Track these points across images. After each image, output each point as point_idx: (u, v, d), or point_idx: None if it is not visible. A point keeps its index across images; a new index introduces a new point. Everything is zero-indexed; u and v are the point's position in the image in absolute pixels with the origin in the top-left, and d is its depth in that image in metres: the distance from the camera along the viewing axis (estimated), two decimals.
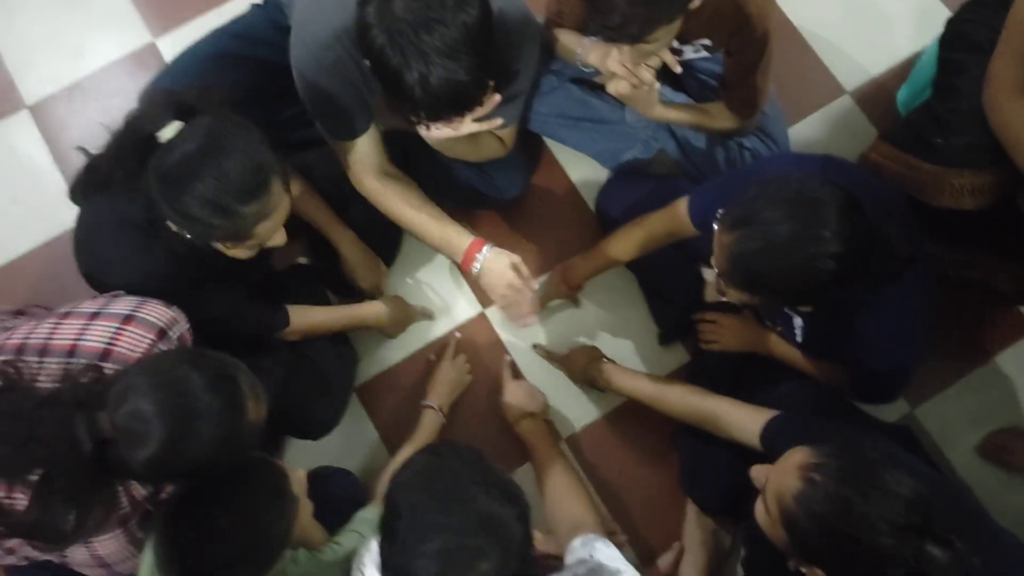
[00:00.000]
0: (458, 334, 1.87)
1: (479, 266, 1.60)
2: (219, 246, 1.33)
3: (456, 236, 1.62)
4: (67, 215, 1.55)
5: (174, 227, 1.29)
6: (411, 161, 1.77)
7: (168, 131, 1.23)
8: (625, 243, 1.68)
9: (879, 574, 1.08)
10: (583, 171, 1.97)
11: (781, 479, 1.14)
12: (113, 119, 1.33)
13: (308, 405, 1.68)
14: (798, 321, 1.50)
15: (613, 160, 1.90)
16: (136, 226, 1.34)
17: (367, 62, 1.29)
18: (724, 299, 1.68)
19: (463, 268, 1.62)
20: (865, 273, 1.23)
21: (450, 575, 0.97)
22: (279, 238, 1.36)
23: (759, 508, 1.19)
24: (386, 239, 1.88)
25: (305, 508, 1.28)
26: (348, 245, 1.76)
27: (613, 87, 1.54)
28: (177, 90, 1.31)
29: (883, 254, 1.23)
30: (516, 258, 1.60)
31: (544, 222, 1.95)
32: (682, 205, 1.53)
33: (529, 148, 1.93)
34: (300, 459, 1.76)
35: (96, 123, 1.36)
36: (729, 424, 1.47)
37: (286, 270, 1.83)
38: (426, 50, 1.22)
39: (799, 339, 1.52)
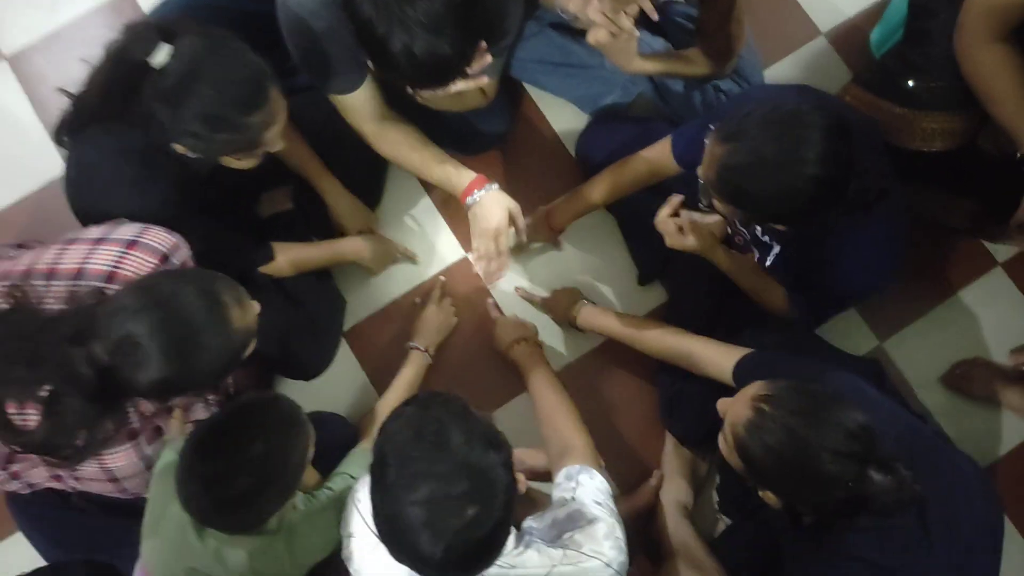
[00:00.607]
0: (443, 277, 1.88)
1: (476, 199, 1.60)
2: (227, 160, 1.35)
3: (456, 171, 1.63)
4: (50, 165, 1.57)
5: (180, 148, 1.30)
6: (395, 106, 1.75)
7: (160, 55, 1.24)
8: (608, 185, 1.69)
9: (821, 495, 1.14)
10: (563, 116, 1.96)
11: (736, 409, 1.21)
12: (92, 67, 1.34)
13: (301, 345, 1.71)
14: (776, 248, 1.52)
15: (593, 105, 1.89)
16: (138, 153, 1.35)
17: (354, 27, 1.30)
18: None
19: (462, 200, 1.62)
20: (842, 198, 1.27)
21: (438, 522, 0.99)
22: (280, 143, 1.40)
23: (720, 437, 1.26)
24: (369, 184, 1.88)
25: (310, 450, 1.30)
26: (334, 195, 1.77)
27: (593, 36, 1.54)
28: (156, 18, 1.30)
29: (860, 182, 1.27)
30: (515, 206, 1.61)
31: (525, 168, 1.94)
32: (665, 144, 1.55)
33: (510, 95, 1.93)
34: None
35: (75, 72, 1.37)
36: (704, 362, 1.51)
37: (272, 216, 1.83)
38: (410, 23, 1.22)
39: (768, 263, 1.54)
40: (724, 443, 1.25)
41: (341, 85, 1.52)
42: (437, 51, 1.25)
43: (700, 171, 1.34)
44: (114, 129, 1.35)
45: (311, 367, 1.76)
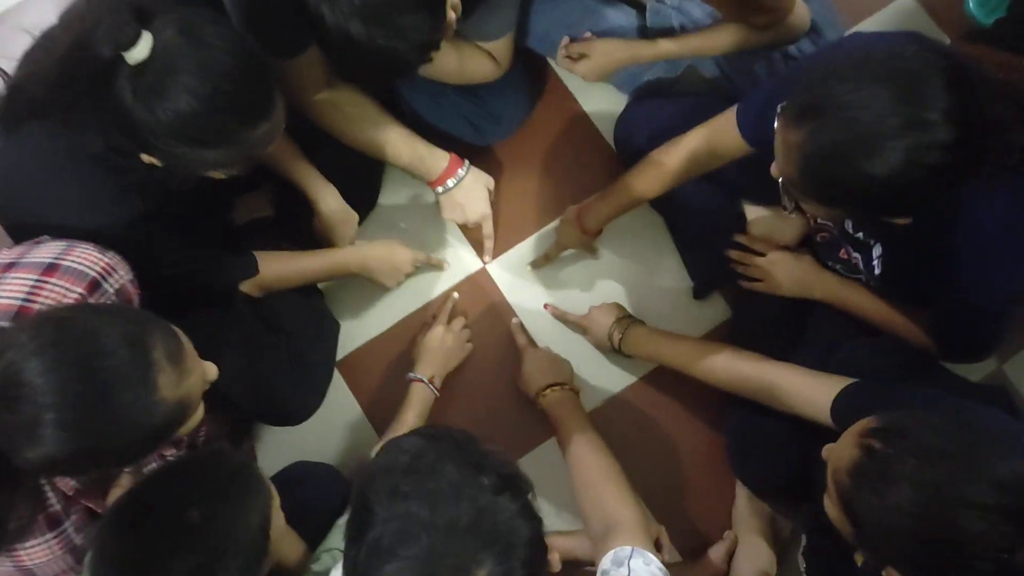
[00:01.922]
0: (456, 294, 1.70)
1: (455, 184, 1.55)
2: (210, 172, 1.19)
3: (429, 152, 1.51)
4: None
5: (148, 159, 1.12)
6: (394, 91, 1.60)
7: (139, 51, 1.02)
8: (654, 173, 1.46)
9: (960, 569, 0.93)
10: (596, 96, 1.78)
11: (839, 451, 1.01)
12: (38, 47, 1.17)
13: (283, 386, 1.50)
14: (878, 249, 1.27)
15: (632, 82, 1.68)
16: (94, 159, 1.16)
17: None
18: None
19: (434, 186, 1.56)
20: (980, 165, 1.02)
21: None
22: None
23: (826, 497, 1.04)
24: (364, 187, 1.68)
25: (276, 518, 1.13)
26: (325, 198, 1.55)
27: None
28: None
29: (1000, 142, 1.03)
30: (491, 182, 1.60)
31: (553, 160, 1.77)
32: (728, 116, 1.33)
33: (531, 69, 1.73)
34: (272, 446, 1.61)
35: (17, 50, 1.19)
36: (791, 396, 1.30)
37: (248, 224, 1.63)
38: (342, 7, 1.09)
39: (878, 270, 1.31)
40: (827, 501, 1.04)
41: (287, 46, 1.32)
42: (375, 41, 1.11)
43: (774, 168, 1.12)
44: (63, 129, 1.15)
45: (296, 411, 1.53)
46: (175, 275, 1.28)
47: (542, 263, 1.69)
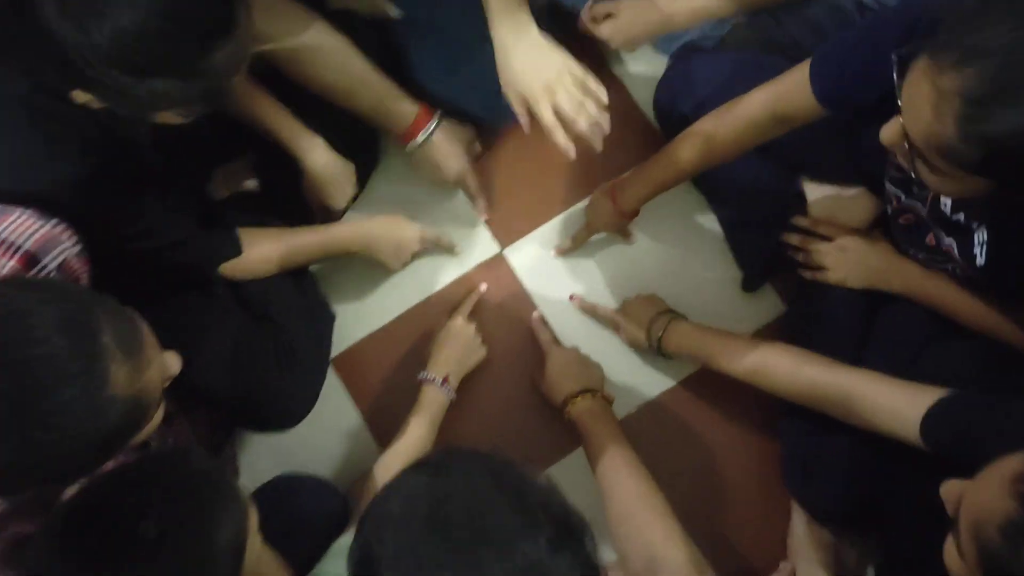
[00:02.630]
0: (484, 285, 1.57)
1: (424, 138, 1.42)
2: (165, 115, 1.03)
3: (396, 102, 1.39)
4: None
5: (83, 98, 0.97)
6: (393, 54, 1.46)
7: None
8: (705, 143, 1.31)
9: None
10: (632, 58, 1.66)
11: (980, 499, 0.87)
12: None
13: (269, 385, 1.39)
14: (982, 235, 1.12)
15: (672, 41, 1.55)
16: (22, 103, 1.03)
17: None
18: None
19: (403, 141, 1.45)
20: None
21: None
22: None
23: (949, 547, 0.91)
24: (363, 143, 1.54)
25: (253, 538, 1.00)
26: (315, 154, 1.41)
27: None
28: None
29: None
30: (472, 134, 1.51)
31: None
32: (799, 73, 1.18)
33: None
34: (256, 456, 1.49)
35: None
36: (871, 408, 1.16)
37: (229, 199, 1.50)
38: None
39: (981, 260, 1.16)
40: (956, 558, 0.90)
41: None
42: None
43: (889, 133, 0.96)
44: None
45: (285, 414, 1.43)
46: (140, 252, 1.15)
47: (569, 248, 1.57)
